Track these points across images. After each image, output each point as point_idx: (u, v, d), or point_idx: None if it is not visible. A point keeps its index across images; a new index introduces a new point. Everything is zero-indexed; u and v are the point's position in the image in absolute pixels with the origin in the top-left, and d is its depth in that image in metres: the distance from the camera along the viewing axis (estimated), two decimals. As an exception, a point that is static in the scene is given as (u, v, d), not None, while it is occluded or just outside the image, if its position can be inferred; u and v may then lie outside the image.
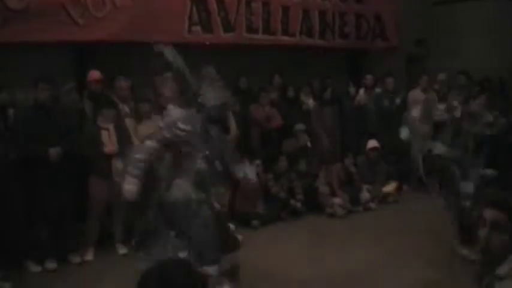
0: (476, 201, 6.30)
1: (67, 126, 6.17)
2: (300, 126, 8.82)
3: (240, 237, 5.83)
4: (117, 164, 6.28)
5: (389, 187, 9.02)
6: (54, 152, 5.81)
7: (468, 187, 6.45)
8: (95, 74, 7.13)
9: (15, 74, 7.03)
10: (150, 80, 7.86)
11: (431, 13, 12.57)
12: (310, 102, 9.51)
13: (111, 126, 6.36)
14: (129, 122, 6.83)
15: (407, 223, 7.52)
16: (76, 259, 6.16)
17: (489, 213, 2.52)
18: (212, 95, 4.98)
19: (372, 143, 8.91)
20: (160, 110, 7.03)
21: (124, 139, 6.41)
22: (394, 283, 5.44)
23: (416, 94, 9.84)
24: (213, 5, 9.12)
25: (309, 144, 8.90)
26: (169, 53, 5.10)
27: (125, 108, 7.04)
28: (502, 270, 2.46)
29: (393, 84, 9.72)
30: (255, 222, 7.53)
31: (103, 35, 8.03)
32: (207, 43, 9.20)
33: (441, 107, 9.32)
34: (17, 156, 5.70)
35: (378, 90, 9.98)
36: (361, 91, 9.95)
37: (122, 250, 6.48)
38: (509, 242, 2.47)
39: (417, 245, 6.59)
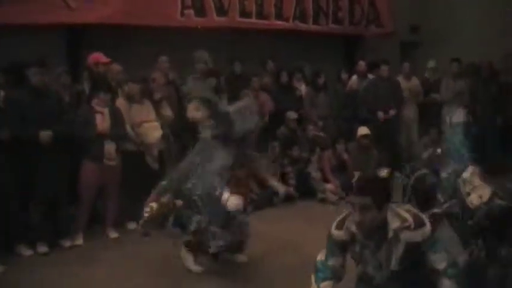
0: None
1: (59, 109, 6.12)
2: (290, 115, 8.82)
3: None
4: (109, 147, 6.27)
5: (381, 174, 9.01)
6: (45, 135, 5.77)
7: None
8: (100, 57, 7.09)
9: (6, 57, 6.97)
10: (142, 63, 7.88)
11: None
12: (302, 87, 9.50)
13: (105, 110, 6.31)
14: (123, 106, 6.78)
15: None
16: (67, 243, 6.14)
17: (356, 200, 3.06)
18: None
19: (363, 130, 8.90)
20: (150, 94, 7.05)
21: (118, 123, 6.40)
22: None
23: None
24: (206, -12, 9.11)
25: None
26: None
27: (119, 92, 7.01)
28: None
29: (388, 71, 9.69)
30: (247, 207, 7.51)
31: (96, 17, 7.99)
32: (199, 27, 9.17)
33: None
34: (9, 138, 5.65)
35: (371, 76, 9.97)
36: (354, 77, 9.94)
37: (113, 234, 6.47)
38: (376, 215, 3.03)
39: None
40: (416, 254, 3.05)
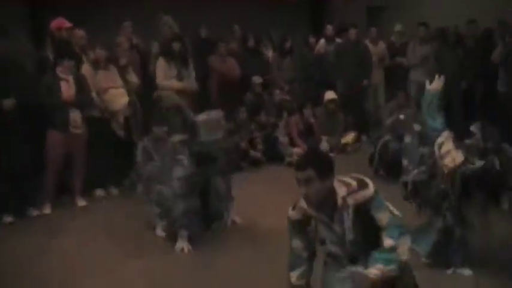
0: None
1: (22, 77, 6.00)
2: (256, 79, 8.79)
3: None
4: (75, 115, 6.18)
5: (348, 138, 9.12)
6: (8, 103, 5.67)
7: None
8: (63, 22, 6.93)
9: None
10: (106, 29, 7.76)
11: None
12: (270, 53, 9.48)
13: (70, 78, 6.21)
14: (88, 72, 6.67)
15: (365, 172, 7.61)
16: (34, 212, 6.08)
17: (299, 175, 3.04)
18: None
19: (330, 95, 8.94)
20: (116, 60, 6.96)
21: (83, 90, 6.29)
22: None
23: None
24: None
25: None
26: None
27: (84, 58, 6.88)
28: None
29: (356, 34, 9.68)
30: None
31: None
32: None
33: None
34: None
35: (338, 40, 9.98)
36: (322, 41, 9.92)
37: (81, 202, 6.43)
38: (321, 187, 3.04)
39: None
40: (367, 217, 3.07)
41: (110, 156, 6.69)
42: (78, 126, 6.22)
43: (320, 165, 3.07)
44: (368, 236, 3.09)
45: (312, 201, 3.11)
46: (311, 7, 11.79)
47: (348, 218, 3.07)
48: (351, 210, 3.06)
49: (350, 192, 3.06)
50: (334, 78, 9.54)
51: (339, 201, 3.07)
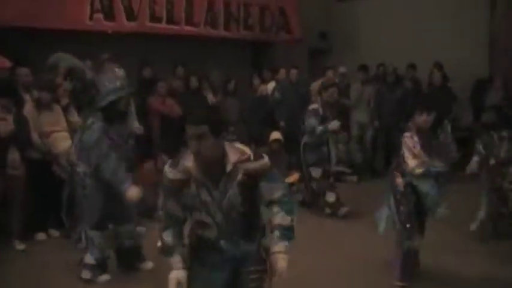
0: None
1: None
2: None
3: (143, 229, 5.80)
4: (14, 155, 6.04)
5: (292, 178, 9.18)
6: None
7: None
8: (2, 62, 6.81)
9: None
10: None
11: (333, 8, 12.94)
12: (209, 96, 9.53)
13: (9, 117, 6.07)
14: (31, 112, 6.53)
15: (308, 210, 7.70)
16: (-30, 256, 5.86)
17: (192, 130, 2.92)
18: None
19: (275, 135, 9.03)
20: (57, 100, 6.86)
21: (23, 130, 6.16)
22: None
23: (317, 86, 10.04)
24: (116, -8, 9.03)
25: None
26: (64, 59, 5.33)
27: (27, 97, 6.75)
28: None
29: (296, 75, 9.86)
30: (159, 214, 7.41)
31: (3, 19, 7.76)
32: (109, 31, 9.05)
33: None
34: None
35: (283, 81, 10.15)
36: (272, 84, 10.03)
37: (19, 246, 6.23)
38: (214, 144, 2.92)
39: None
40: (253, 192, 3.04)
41: (51, 198, 6.54)
42: (16, 167, 6.07)
43: (214, 122, 2.93)
44: (245, 212, 3.04)
45: (202, 160, 2.96)
46: (255, 48, 11.96)
47: (234, 185, 2.96)
48: (239, 177, 2.96)
49: (243, 160, 2.97)
50: (277, 118, 9.67)
51: (229, 166, 2.95)
